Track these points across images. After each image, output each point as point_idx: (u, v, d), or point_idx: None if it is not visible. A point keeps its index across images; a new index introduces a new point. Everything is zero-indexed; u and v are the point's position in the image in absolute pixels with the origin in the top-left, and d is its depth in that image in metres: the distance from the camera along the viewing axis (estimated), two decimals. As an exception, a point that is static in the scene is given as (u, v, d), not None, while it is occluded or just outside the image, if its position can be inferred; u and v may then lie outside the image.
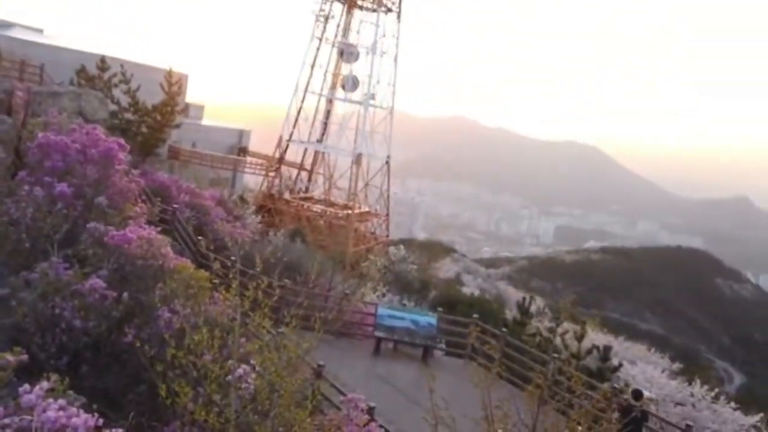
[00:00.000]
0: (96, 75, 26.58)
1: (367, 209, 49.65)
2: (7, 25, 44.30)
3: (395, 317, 17.58)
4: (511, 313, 25.83)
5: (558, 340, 19.90)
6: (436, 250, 72.18)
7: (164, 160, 36.84)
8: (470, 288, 49.30)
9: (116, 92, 27.16)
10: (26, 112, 10.56)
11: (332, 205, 49.07)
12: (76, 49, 38.66)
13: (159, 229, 9.47)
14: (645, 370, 18.81)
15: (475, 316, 18.17)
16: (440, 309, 19.72)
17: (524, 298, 25.19)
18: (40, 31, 46.74)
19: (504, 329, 17.67)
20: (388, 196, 52.62)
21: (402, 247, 44.78)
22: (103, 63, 27.29)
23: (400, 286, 34.13)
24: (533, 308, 25.67)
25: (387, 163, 51.07)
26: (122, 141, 9.96)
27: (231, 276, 6.62)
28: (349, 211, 45.78)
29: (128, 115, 27.19)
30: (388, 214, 52.48)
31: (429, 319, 17.85)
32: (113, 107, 26.12)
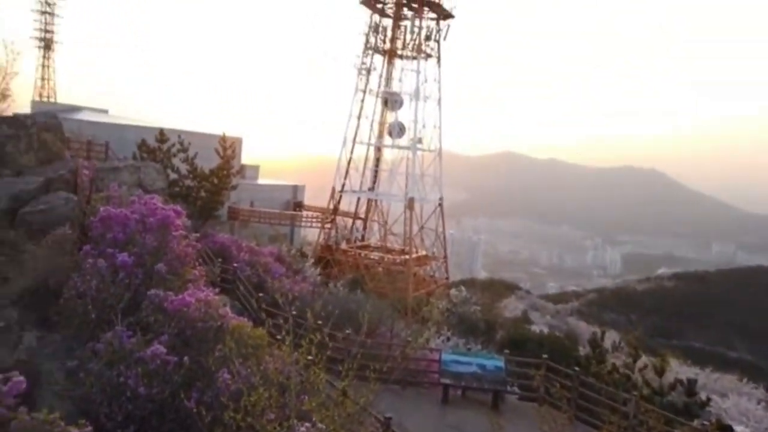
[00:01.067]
0: (156, 147, 28.04)
1: (424, 253, 49.38)
2: (77, 109, 47.88)
3: (461, 362, 17.05)
4: (584, 350, 24.66)
5: (637, 376, 18.72)
6: (499, 288, 70.61)
7: (224, 221, 38.07)
8: (538, 326, 47.66)
9: (176, 161, 28.48)
10: (91, 188, 11.21)
11: (389, 251, 49.11)
12: (137, 125, 41.22)
13: (219, 289, 9.64)
14: (738, 403, 17.39)
15: (545, 356, 17.40)
16: (507, 351, 19.03)
17: (597, 333, 24.04)
18: (105, 111, 50.20)
19: (577, 368, 16.80)
20: (445, 238, 52.25)
21: (463, 288, 43.99)
22: (162, 135, 28.81)
23: (465, 329, 33.34)
24: (607, 343, 24.44)
25: (440, 204, 50.97)
26: (179, 208, 10.35)
27: (286, 332, 6.59)
28: (407, 256, 45.63)
29: (188, 182, 28.38)
30: (446, 256, 52.00)
31: (496, 362, 17.22)
32: (173, 176, 27.37)
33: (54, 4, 65.39)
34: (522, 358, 18.63)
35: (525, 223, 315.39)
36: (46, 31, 65.36)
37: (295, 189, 54.42)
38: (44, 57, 65.84)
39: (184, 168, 28.85)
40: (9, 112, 26.28)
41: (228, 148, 30.75)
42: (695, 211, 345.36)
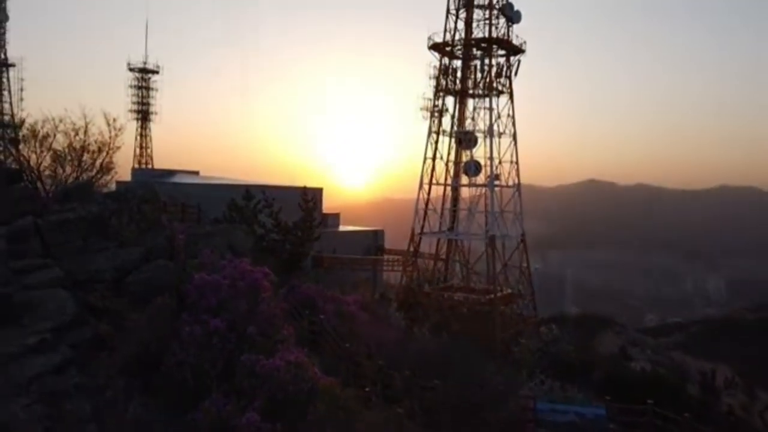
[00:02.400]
0: (243, 205, 29.45)
1: (509, 291, 48.11)
2: (172, 173, 51.45)
3: (557, 411, 16.23)
4: (693, 389, 22.81)
5: (757, 420, 17.04)
6: (592, 324, 67.18)
7: (309, 270, 39.00)
8: (639, 362, 44.70)
9: (262, 216, 29.77)
10: (185, 255, 11.92)
11: (473, 291, 48.25)
12: (226, 183, 43.63)
13: (307, 348, 9.83)
14: None
15: (650, 401, 16.22)
16: (608, 397, 17.90)
17: (707, 373, 22.24)
18: (197, 173, 53.58)
19: (687, 413, 15.54)
20: (530, 274, 50.77)
21: (554, 326, 42.31)
22: (248, 193, 30.25)
23: (559, 370, 31.85)
24: (719, 379, 22.50)
25: (522, 240, 49.79)
26: (266, 269, 10.76)
27: (375, 393, 6.55)
28: (492, 296, 44.62)
29: (274, 236, 29.49)
30: (532, 293, 50.40)
31: (596, 410, 16.25)
32: (260, 231, 28.54)
33: (149, 78, 71.56)
34: (624, 403, 17.45)
35: (615, 253, 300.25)
36: (143, 104, 71.43)
37: (376, 234, 55.07)
38: (142, 127, 71.81)
39: (269, 222, 30.04)
40: (112, 182, 28.69)
41: (309, 200, 31.80)
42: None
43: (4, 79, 68.99)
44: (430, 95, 52.57)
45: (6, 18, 68.99)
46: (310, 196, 33.27)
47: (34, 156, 21.17)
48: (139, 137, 71.80)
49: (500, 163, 49.13)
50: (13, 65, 69.19)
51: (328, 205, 55.75)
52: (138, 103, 71.43)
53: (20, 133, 24.59)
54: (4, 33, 69.07)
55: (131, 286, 11.39)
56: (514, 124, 50.40)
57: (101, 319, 10.06)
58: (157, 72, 72.38)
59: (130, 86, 71.23)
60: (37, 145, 21.19)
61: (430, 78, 53.33)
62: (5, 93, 68.82)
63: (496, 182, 48.36)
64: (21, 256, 11.98)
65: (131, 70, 71.18)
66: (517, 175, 50.42)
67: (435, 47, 50.75)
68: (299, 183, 37.59)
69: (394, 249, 53.94)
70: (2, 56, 69.06)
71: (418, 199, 51.41)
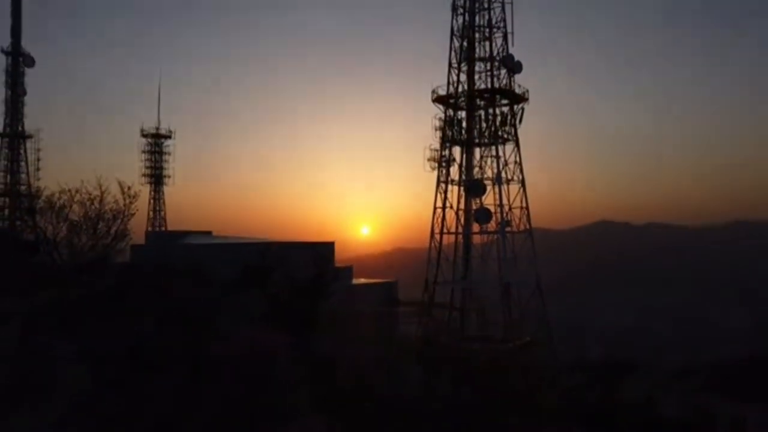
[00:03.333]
0: (257, 265, 29.58)
1: (528, 339, 47.32)
2: (184, 234, 51.97)
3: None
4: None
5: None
6: (616, 368, 65.46)
7: (325, 328, 38.66)
8: (666, 408, 43.26)
9: (276, 276, 29.82)
10: (199, 321, 11.97)
11: (491, 341, 47.48)
12: (238, 243, 43.97)
13: (326, 413, 9.65)
14: None
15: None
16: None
17: (738, 417, 21.48)
18: (210, 233, 54.08)
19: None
20: (547, 320, 50.03)
21: (576, 373, 41.25)
22: (261, 253, 30.44)
23: (583, 419, 30.90)
24: (751, 424, 21.71)
25: (538, 285, 49.34)
26: (282, 336, 10.75)
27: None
28: (510, 345, 43.87)
29: (287, 295, 29.41)
30: (551, 339, 49.52)
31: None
32: (274, 290, 28.52)
33: (162, 143, 73.47)
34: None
35: (633, 293, 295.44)
36: (155, 168, 73.06)
37: (390, 286, 54.76)
38: (155, 191, 73.18)
39: (283, 281, 30.06)
40: (127, 247, 29.02)
41: (322, 256, 31.90)
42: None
43: (22, 151, 71.07)
44: (437, 146, 53.41)
45: (24, 92, 71.69)
46: (323, 252, 33.38)
47: (50, 227, 21.60)
48: (152, 201, 73.07)
49: (510, 209, 49.38)
50: (30, 137, 71.43)
51: (340, 257, 55.72)
52: (151, 167, 73.06)
53: (37, 205, 25.17)
54: (22, 106, 71.62)
55: (147, 357, 11.41)
56: (521, 171, 50.91)
57: (118, 392, 10.04)
58: (169, 136, 74.36)
59: (143, 151, 73.07)
60: (54, 216, 21.65)
61: (436, 129, 54.27)
62: (22, 164, 70.77)
63: (507, 228, 48.41)
64: (39, 331, 12.08)
65: (144, 135, 73.21)
66: (528, 220, 50.51)
67: (439, 100, 51.90)
68: (311, 237, 37.91)
69: (409, 300, 53.48)
70: (20, 128, 71.38)
71: (430, 248, 51.47)
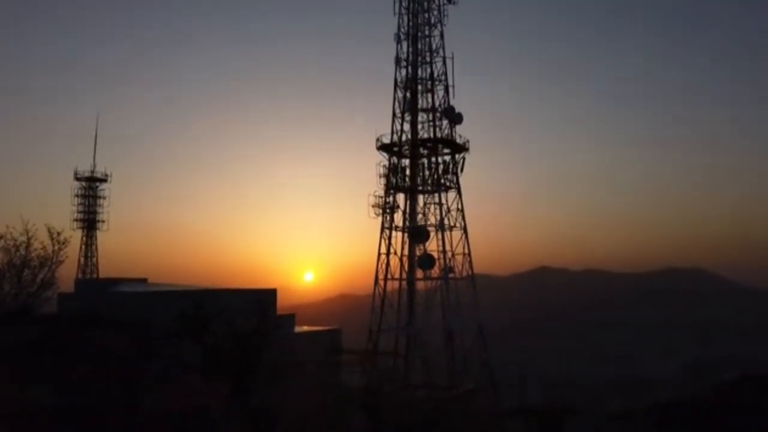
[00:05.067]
0: (193, 314, 28.48)
1: (471, 386, 47.30)
2: (117, 282, 49.67)
3: None
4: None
5: None
6: (557, 414, 66.02)
7: (265, 378, 37.38)
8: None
9: (213, 325, 28.75)
10: (132, 377, 11.35)
11: (435, 388, 47.16)
12: (175, 290, 42.29)
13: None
14: None
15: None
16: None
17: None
18: (144, 280, 51.90)
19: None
20: (490, 366, 50.27)
21: (519, 419, 41.29)
22: (197, 301, 29.38)
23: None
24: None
25: (480, 332, 49.74)
26: (216, 389, 10.31)
27: None
28: (454, 392, 43.68)
29: (226, 345, 28.37)
30: (494, 385, 49.67)
31: None
32: (211, 341, 27.46)
33: (97, 187, 70.88)
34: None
35: (573, 340, 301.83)
36: (89, 213, 70.19)
37: (332, 334, 53.88)
38: (87, 236, 70.09)
39: (221, 331, 29.02)
40: (54, 294, 27.39)
41: (263, 304, 31.13)
42: (758, 309, 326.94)
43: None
44: (381, 192, 53.96)
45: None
46: (264, 299, 32.59)
47: (-30, 275, 20.20)
48: (84, 247, 69.83)
49: (453, 255, 50.10)
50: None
51: (282, 304, 54.48)
52: (84, 212, 70.12)
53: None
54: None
55: (73, 416, 10.64)
56: (463, 218, 51.98)
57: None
58: (105, 180, 71.87)
59: (76, 195, 70.23)
60: (-25, 263, 20.29)
61: (380, 176, 54.92)
62: (-58, 207, 66.56)
63: (450, 275, 48.93)
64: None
65: (78, 179, 70.50)
66: (471, 266, 51.30)
67: (384, 147, 52.80)
68: (253, 284, 37.00)
69: (353, 349, 52.64)
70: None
71: (374, 295, 51.24)
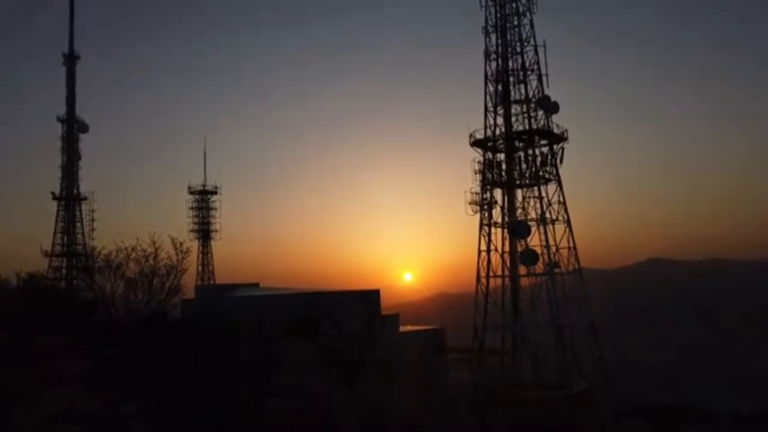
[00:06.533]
0: (304, 316, 29.65)
1: (585, 384, 45.38)
2: (232, 287, 52.72)
3: None
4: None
5: None
6: (678, 414, 61.80)
7: (374, 376, 38.11)
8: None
9: (324, 326, 29.74)
10: (254, 376, 11.96)
11: (546, 387, 45.75)
12: (286, 294, 44.21)
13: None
14: None
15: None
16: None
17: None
18: (257, 285, 54.70)
19: None
20: (603, 363, 48.01)
21: (638, 420, 39.15)
22: (307, 303, 30.56)
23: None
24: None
25: (592, 327, 47.67)
26: (335, 389, 10.61)
27: None
28: (567, 391, 42.16)
29: (336, 345, 29.25)
30: (608, 383, 47.35)
31: None
32: (322, 341, 28.41)
33: (209, 199, 75.75)
34: None
35: (690, 333, 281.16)
36: (203, 224, 75.13)
37: (437, 332, 53.86)
38: (203, 246, 75.05)
39: (331, 331, 29.94)
40: (179, 300, 29.52)
41: (369, 305, 31.77)
42: None
43: (77, 213, 74.34)
44: (478, 189, 53.15)
45: (78, 157, 75.59)
46: (370, 300, 33.24)
47: (108, 285, 22.27)
48: (200, 255, 74.78)
49: (557, 250, 48.33)
50: (85, 198, 74.81)
51: (384, 304, 55.32)
52: (199, 223, 75.15)
53: (95, 264, 26.07)
54: (77, 171, 75.36)
55: (206, 413, 11.40)
56: (566, 210, 50.02)
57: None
58: (215, 192, 76.61)
59: (191, 208, 75.38)
60: (112, 274, 22.34)
61: (475, 172, 54.12)
62: (78, 225, 73.89)
63: (556, 269, 47.29)
64: (101, 387, 12.27)
65: (192, 192, 75.66)
66: (577, 260, 49.26)
67: (477, 143, 52.00)
68: (355, 285, 37.83)
69: (458, 347, 52.33)
70: (75, 191, 74.88)
71: (477, 293, 50.57)
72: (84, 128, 76.01)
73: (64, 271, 72.21)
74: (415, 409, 26.16)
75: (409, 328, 56.14)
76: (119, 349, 13.43)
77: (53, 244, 73.44)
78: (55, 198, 74.43)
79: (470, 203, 53.58)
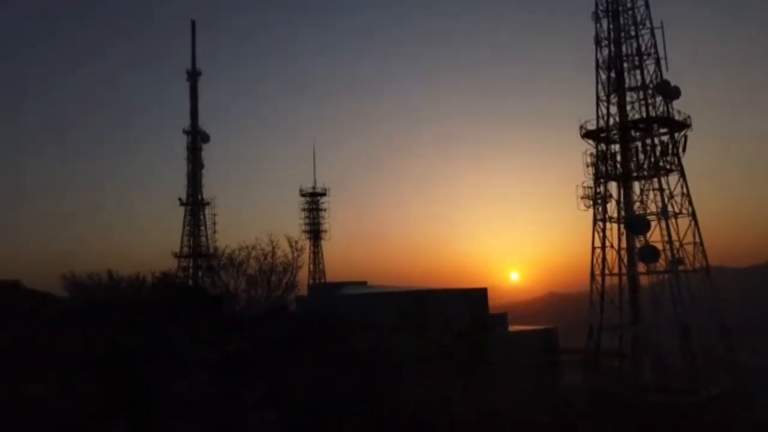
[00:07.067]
0: (412, 312, 29.93)
1: (717, 389, 41.75)
2: (341, 285, 54.40)
3: None
4: None
5: None
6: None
7: (485, 374, 37.67)
8: None
9: (431, 323, 29.85)
10: (374, 369, 12.25)
11: (670, 390, 42.64)
12: (394, 292, 44.88)
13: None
14: None
15: None
16: None
17: None
18: (364, 283, 56.03)
19: None
20: (737, 368, 43.90)
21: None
22: (417, 301, 30.83)
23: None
24: None
25: (723, 329, 43.81)
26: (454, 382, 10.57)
27: None
28: (696, 397, 39.03)
29: (445, 341, 29.24)
30: (746, 391, 43.19)
31: None
32: (431, 337, 28.52)
33: (319, 200, 78.79)
34: None
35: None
36: (314, 224, 78.24)
37: (549, 333, 52.08)
38: (314, 245, 78.12)
39: (439, 328, 29.99)
40: (294, 296, 30.93)
41: (476, 303, 31.44)
42: None
43: (201, 217, 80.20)
44: (590, 183, 50.69)
45: (201, 166, 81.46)
46: (477, 298, 32.90)
47: (232, 281, 23.85)
48: (312, 255, 77.90)
49: (681, 245, 44.93)
50: (207, 204, 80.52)
51: (492, 304, 54.38)
52: (310, 223, 78.35)
53: (219, 262, 27.99)
54: (200, 178, 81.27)
55: (324, 401, 11.84)
56: (690, 203, 46.40)
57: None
58: (324, 194, 79.44)
59: (302, 209, 78.74)
60: (234, 271, 23.90)
61: (587, 165, 51.65)
62: (202, 228, 79.71)
63: (681, 267, 44.00)
64: (226, 376, 13.15)
65: (303, 195, 79.05)
66: (704, 256, 45.51)
67: (589, 135, 49.63)
68: (459, 284, 37.56)
69: (570, 348, 50.20)
70: (200, 197, 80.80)
71: (591, 291, 48.28)
72: (206, 138, 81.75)
73: (191, 271, 78.14)
74: (527, 409, 25.45)
75: (519, 327, 54.79)
76: (242, 341, 14.34)
77: (181, 246, 79.77)
78: (182, 204, 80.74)
79: (582, 198, 51.25)
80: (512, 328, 53.24)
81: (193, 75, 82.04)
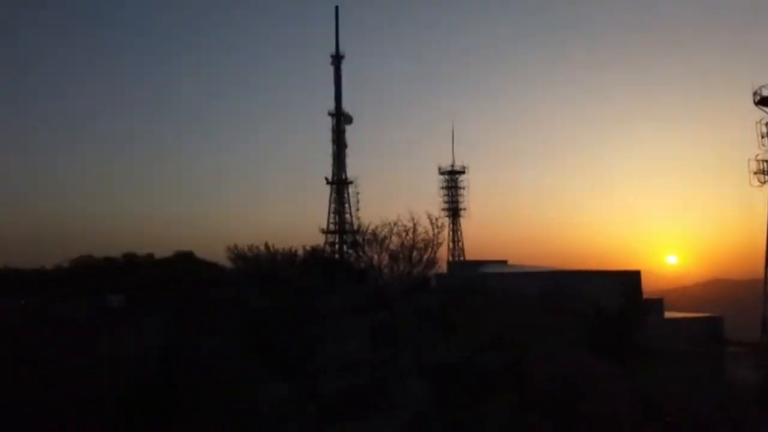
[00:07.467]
0: (555, 292, 28.75)
1: None
2: (480, 264, 53.85)
3: None
4: None
5: None
6: None
7: (639, 360, 35.32)
8: None
9: (578, 304, 28.45)
10: (516, 346, 11.95)
11: None
12: (534, 272, 43.54)
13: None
14: None
15: None
16: None
17: None
18: (505, 262, 54.94)
19: None
20: None
21: None
22: (564, 282, 29.55)
23: None
24: None
25: None
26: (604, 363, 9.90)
27: None
28: None
29: (594, 324, 27.73)
30: None
31: None
32: (578, 318, 27.20)
33: (457, 179, 78.47)
34: None
35: None
36: (452, 202, 78.15)
37: (713, 321, 47.30)
38: (453, 223, 78.14)
39: (588, 309, 28.49)
40: (435, 273, 31.16)
41: (629, 286, 29.37)
42: None
43: (345, 195, 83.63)
44: (764, 156, 44.69)
45: (345, 146, 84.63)
46: (629, 281, 30.72)
47: (375, 256, 24.59)
48: (451, 232, 77.99)
49: None
50: (351, 182, 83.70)
51: (646, 289, 50.49)
52: (449, 201, 78.39)
53: (363, 238, 28.95)
54: (344, 158, 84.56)
55: (471, 376, 11.79)
56: None
57: (455, 410, 10.54)
58: (463, 172, 78.89)
59: (441, 187, 78.92)
60: (378, 246, 24.59)
61: (762, 136, 45.56)
62: (346, 206, 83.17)
63: None
64: (375, 345, 13.60)
65: (441, 173, 79.14)
66: None
67: (764, 101, 43.65)
68: (610, 265, 35.24)
69: (739, 340, 45.10)
70: (344, 176, 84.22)
71: (766, 279, 42.94)
72: (349, 120, 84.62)
73: (337, 246, 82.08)
74: (690, 400, 23.26)
75: (678, 314, 50.37)
76: (388, 312, 14.74)
77: (328, 223, 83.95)
78: (328, 183, 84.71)
79: (755, 173, 45.40)
80: (669, 314, 49.13)
81: (337, 59, 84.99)
